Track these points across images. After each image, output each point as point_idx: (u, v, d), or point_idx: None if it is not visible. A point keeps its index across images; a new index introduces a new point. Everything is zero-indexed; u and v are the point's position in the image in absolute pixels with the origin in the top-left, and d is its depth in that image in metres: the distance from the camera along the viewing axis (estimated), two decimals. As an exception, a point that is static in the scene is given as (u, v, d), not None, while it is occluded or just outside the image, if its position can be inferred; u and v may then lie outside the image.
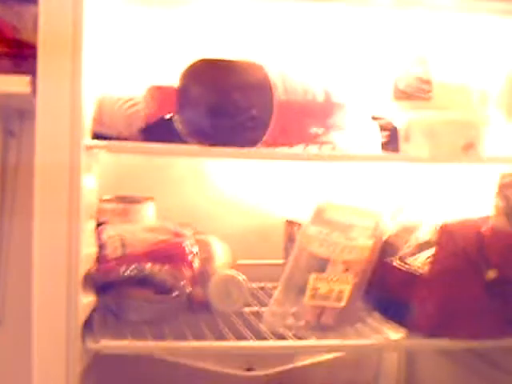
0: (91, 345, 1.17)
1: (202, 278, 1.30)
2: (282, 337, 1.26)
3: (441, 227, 1.28)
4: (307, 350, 1.39)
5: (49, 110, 1.10)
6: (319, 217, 1.42)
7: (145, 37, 1.52)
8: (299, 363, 1.69)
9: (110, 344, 1.18)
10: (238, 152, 1.24)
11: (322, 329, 1.28)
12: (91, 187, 1.43)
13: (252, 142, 1.26)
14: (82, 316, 1.17)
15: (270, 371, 1.66)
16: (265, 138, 1.26)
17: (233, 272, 1.29)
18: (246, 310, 1.37)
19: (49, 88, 1.10)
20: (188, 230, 1.41)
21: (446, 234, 1.27)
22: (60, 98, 1.10)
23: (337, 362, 1.67)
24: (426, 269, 1.28)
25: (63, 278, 1.12)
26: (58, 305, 1.12)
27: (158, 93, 1.26)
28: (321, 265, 1.35)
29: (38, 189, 1.11)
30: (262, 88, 1.26)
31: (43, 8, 1.09)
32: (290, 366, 1.68)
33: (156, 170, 1.63)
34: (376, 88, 1.42)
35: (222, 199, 1.67)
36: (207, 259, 1.35)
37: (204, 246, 1.38)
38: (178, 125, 1.25)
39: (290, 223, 1.58)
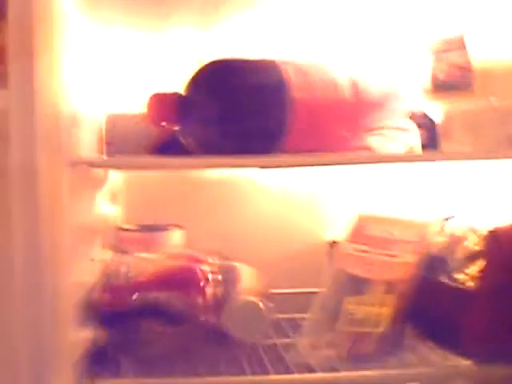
0: (87, 385, 1.04)
1: (221, 306, 1.14)
2: (312, 370, 1.10)
3: (489, 235, 1.10)
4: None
5: (20, 121, 0.97)
6: (358, 232, 1.26)
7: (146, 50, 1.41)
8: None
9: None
10: (251, 160, 1.09)
11: (358, 359, 1.11)
12: (105, 212, 1.33)
13: (269, 149, 1.11)
14: (75, 353, 1.04)
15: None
16: (285, 145, 1.12)
17: (253, 299, 1.13)
18: (275, 341, 1.22)
19: (20, 100, 0.97)
20: (214, 257, 1.27)
21: (495, 243, 1.08)
22: (30, 113, 0.97)
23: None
24: (474, 284, 1.09)
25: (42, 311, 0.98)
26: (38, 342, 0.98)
27: (160, 101, 1.12)
28: (359, 286, 1.19)
29: (15, 210, 0.99)
30: (275, 88, 1.11)
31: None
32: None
33: (186, 196, 1.50)
34: (411, 80, 1.25)
35: (258, 223, 1.52)
36: (231, 286, 1.20)
37: (229, 273, 1.23)
38: (185, 137, 1.13)
39: (333, 244, 1.41)
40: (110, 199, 1.43)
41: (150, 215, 1.46)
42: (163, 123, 1.11)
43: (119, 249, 1.34)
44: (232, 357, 1.14)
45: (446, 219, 1.22)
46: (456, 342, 1.12)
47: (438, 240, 1.20)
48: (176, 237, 1.40)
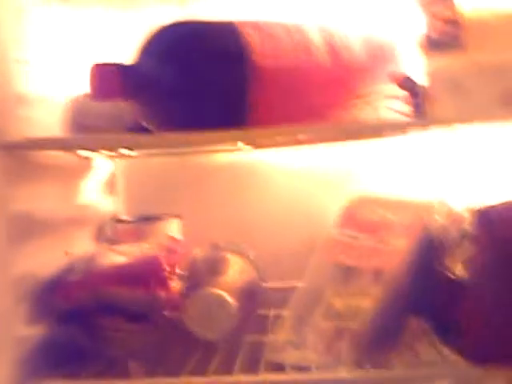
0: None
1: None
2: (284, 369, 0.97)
3: (478, 215, 0.93)
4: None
5: None
6: (349, 216, 1.12)
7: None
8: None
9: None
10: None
11: (337, 357, 0.97)
12: (95, 203, 1.28)
13: (232, 124, 0.98)
14: (19, 349, 0.96)
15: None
16: (252, 118, 0.99)
17: (218, 291, 1.01)
18: (258, 339, 1.11)
19: None
20: (204, 248, 1.18)
21: (484, 224, 0.92)
22: None
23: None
24: (465, 272, 0.94)
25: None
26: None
27: (101, 73, 1.01)
28: (346, 276, 1.05)
29: None
30: (233, 54, 0.98)
31: None
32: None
33: (191, 183, 1.40)
34: (400, 39, 1.09)
35: (270, 210, 1.39)
36: (210, 279, 1.08)
37: (212, 265, 1.13)
38: (136, 112, 1.02)
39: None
40: (106, 190, 1.36)
41: (151, 205, 1.37)
42: (106, 97, 1.00)
43: (109, 241, 1.26)
44: (200, 356, 1.03)
45: (445, 199, 1.06)
46: (452, 339, 0.97)
47: (435, 222, 1.04)
48: (172, 227, 1.30)
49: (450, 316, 0.96)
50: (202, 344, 1.03)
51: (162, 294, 1.02)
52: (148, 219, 1.29)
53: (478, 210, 0.93)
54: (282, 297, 1.12)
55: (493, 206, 0.93)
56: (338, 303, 1.01)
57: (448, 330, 0.98)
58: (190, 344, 1.04)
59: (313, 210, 1.37)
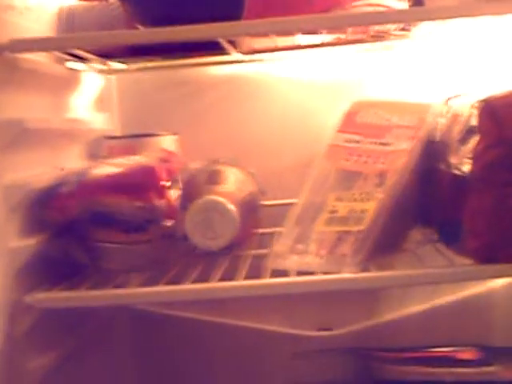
0: (26, 299, 0.93)
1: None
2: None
3: (480, 106, 0.90)
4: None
5: None
6: (349, 121, 1.09)
7: None
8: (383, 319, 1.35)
9: (49, 296, 0.94)
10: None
11: (341, 261, 0.95)
12: (87, 119, 1.25)
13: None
14: (14, 262, 0.93)
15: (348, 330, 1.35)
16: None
17: (218, 198, 0.98)
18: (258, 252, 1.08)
19: None
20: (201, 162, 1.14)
21: (488, 115, 0.89)
22: None
23: (432, 314, 1.32)
24: (471, 168, 0.91)
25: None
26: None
27: None
28: (348, 182, 1.02)
29: None
30: None
31: None
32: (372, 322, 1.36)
33: (188, 100, 1.36)
34: None
35: (271, 124, 1.36)
36: (212, 189, 1.04)
37: (210, 176, 1.09)
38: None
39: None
40: (99, 107, 1.32)
41: (146, 123, 1.33)
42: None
43: (102, 157, 1.23)
44: (201, 266, 1.00)
45: (450, 98, 1.03)
46: (456, 239, 0.95)
47: (439, 123, 1.01)
48: (168, 143, 1.26)
49: (454, 215, 0.94)
50: (203, 255, 1.00)
51: (160, 202, 0.99)
52: (142, 136, 1.26)
53: (481, 101, 0.90)
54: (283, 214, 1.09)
55: (495, 96, 0.90)
56: (341, 208, 0.98)
57: (452, 230, 0.96)
58: (189, 255, 1.01)
59: (314, 125, 1.33)
